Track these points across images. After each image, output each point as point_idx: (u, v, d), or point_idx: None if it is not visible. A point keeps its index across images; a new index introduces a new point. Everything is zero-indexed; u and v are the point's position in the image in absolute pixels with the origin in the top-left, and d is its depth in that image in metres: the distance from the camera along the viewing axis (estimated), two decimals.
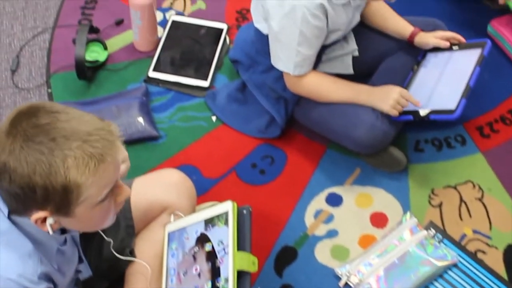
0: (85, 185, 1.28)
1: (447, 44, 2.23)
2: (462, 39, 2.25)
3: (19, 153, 1.25)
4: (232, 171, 2.24)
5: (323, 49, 2.13)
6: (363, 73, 2.29)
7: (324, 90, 2.13)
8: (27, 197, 1.28)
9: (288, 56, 2.03)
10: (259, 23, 2.15)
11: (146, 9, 2.38)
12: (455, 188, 2.23)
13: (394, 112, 2.08)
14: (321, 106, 2.15)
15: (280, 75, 2.15)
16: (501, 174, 2.28)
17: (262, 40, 2.14)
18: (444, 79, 2.17)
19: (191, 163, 2.24)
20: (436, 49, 2.25)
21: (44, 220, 1.33)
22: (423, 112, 2.09)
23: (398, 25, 2.27)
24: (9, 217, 1.37)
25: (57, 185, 1.26)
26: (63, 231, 1.47)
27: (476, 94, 2.11)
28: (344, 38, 2.22)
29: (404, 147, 2.31)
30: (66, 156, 1.25)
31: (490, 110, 2.45)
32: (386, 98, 2.08)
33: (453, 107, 2.06)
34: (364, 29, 2.27)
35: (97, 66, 2.46)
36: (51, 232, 1.35)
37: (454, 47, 2.24)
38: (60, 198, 1.28)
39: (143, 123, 2.27)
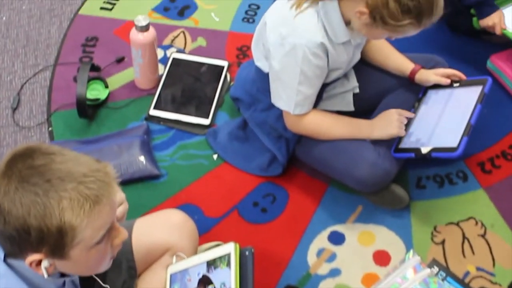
0: (80, 227, 1.26)
1: (448, 81, 2.23)
2: (463, 76, 2.25)
3: (14, 194, 1.24)
4: (234, 209, 2.23)
5: (324, 87, 2.14)
6: (364, 110, 2.29)
7: (325, 128, 2.13)
8: (22, 239, 1.27)
9: (289, 95, 2.04)
10: (259, 61, 2.16)
11: (147, 48, 2.39)
12: (457, 225, 2.22)
13: (403, 131, 2.11)
14: (322, 144, 2.15)
15: (281, 113, 2.15)
16: (504, 210, 2.27)
17: (263, 79, 2.15)
18: (445, 117, 2.17)
19: (193, 202, 2.23)
20: (437, 86, 2.25)
21: (39, 263, 1.31)
22: (424, 150, 2.09)
23: (399, 62, 2.28)
24: (5, 261, 1.35)
25: (51, 227, 1.24)
26: (62, 274, 1.45)
27: (476, 129, 2.10)
28: (345, 76, 2.23)
29: (406, 184, 2.30)
30: (61, 197, 1.24)
31: (491, 145, 2.45)
32: (389, 122, 2.11)
33: (455, 145, 2.05)
34: (364, 66, 2.28)
35: (98, 104, 2.46)
36: (46, 276, 1.33)
37: (455, 84, 2.24)
38: (55, 240, 1.27)
39: (144, 162, 2.26)
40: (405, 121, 2.13)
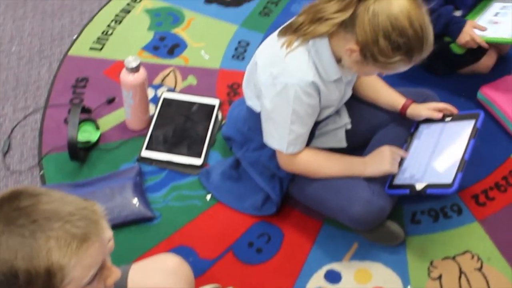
0: (69, 266, 1.24)
1: (440, 115, 2.23)
2: (455, 110, 2.25)
3: (0, 238, 1.23)
4: (229, 250, 2.21)
5: (316, 124, 2.13)
6: (356, 145, 2.29)
7: (317, 166, 2.12)
8: (10, 283, 1.24)
9: (281, 135, 2.03)
10: (251, 101, 2.15)
11: (138, 89, 2.38)
12: (454, 259, 2.21)
13: (396, 168, 2.10)
14: (315, 182, 2.14)
15: (274, 152, 2.14)
16: (499, 243, 2.26)
17: (255, 118, 2.14)
18: (439, 152, 2.16)
19: (187, 244, 2.21)
20: (429, 121, 2.25)
21: None
22: (419, 186, 2.08)
23: (390, 97, 2.28)
24: None
25: (39, 268, 1.22)
26: None
27: (469, 161, 2.10)
28: (337, 112, 2.23)
29: (401, 219, 2.29)
30: (48, 237, 1.22)
31: (484, 177, 2.44)
32: (382, 159, 2.10)
33: (449, 181, 2.04)
34: (355, 102, 2.28)
35: (90, 146, 2.45)
36: None
37: (447, 119, 2.23)
38: (44, 282, 1.24)
39: (137, 205, 2.25)
40: (398, 158, 2.13)
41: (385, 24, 1.80)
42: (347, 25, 1.85)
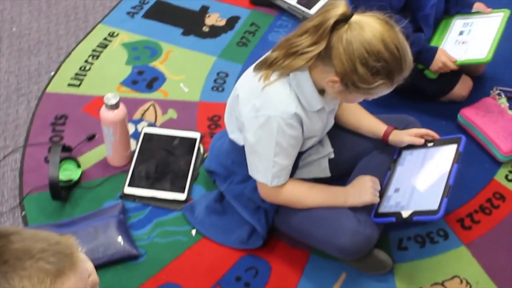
0: None
1: (422, 141, 2.23)
2: (436, 136, 2.25)
3: None
4: (217, 286, 2.18)
5: (300, 155, 2.13)
6: (340, 174, 2.29)
7: (301, 197, 2.11)
8: None
9: (266, 168, 2.02)
10: (233, 134, 2.14)
11: (119, 125, 2.37)
12: (442, 284, 2.21)
13: (377, 199, 2.09)
14: (301, 213, 2.13)
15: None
16: (487, 266, 2.26)
17: (238, 151, 2.13)
18: (423, 178, 2.16)
19: (174, 281, 2.19)
20: (411, 147, 2.25)
21: None
22: (405, 214, 2.07)
23: (372, 124, 2.28)
24: None
25: None
26: None
27: (453, 185, 2.10)
28: (320, 142, 2.22)
29: (387, 246, 2.29)
30: (22, 277, 1.19)
31: (469, 200, 2.45)
32: (363, 189, 2.09)
33: (435, 208, 2.03)
34: (338, 130, 2.27)
35: (72, 185, 2.43)
36: None
37: (429, 144, 2.24)
38: None
39: (122, 243, 2.22)
40: (379, 188, 2.12)
41: (360, 51, 1.79)
42: (324, 57, 1.85)
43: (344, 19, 1.81)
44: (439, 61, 2.53)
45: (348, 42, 1.79)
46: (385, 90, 1.89)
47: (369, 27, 1.80)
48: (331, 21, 1.81)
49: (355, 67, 1.81)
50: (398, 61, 1.83)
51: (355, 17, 1.82)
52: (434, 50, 2.56)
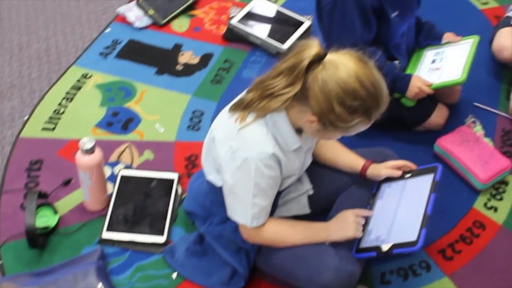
0: None
1: (399, 173, 2.24)
2: (413, 166, 2.26)
3: None
4: None
5: (278, 194, 2.12)
6: (320, 210, 2.29)
7: (282, 236, 2.10)
8: None
9: (245, 209, 2.00)
10: (211, 175, 2.13)
11: (95, 170, 2.34)
12: None
13: (360, 233, 2.08)
14: (282, 252, 2.11)
15: (238, 225, 2.11)
16: None
17: (216, 191, 2.12)
18: (401, 210, 2.16)
19: None
20: (390, 179, 2.25)
21: None
22: (385, 247, 2.06)
23: (349, 159, 2.28)
24: None
25: None
26: None
27: (432, 216, 2.09)
28: (298, 179, 2.21)
29: (370, 281, 2.28)
30: None
31: (449, 231, 2.45)
32: (345, 225, 2.08)
33: (414, 239, 2.03)
34: (316, 167, 2.27)
35: (49, 232, 2.39)
36: None
37: (407, 175, 2.24)
38: None
39: None
40: (362, 222, 2.11)
41: (336, 90, 1.80)
42: (300, 98, 1.85)
43: (318, 59, 1.82)
44: (414, 87, 2.56)
45: (324, 82, 1.80)
46: (363, 127, 1.90)
47: (344, 65, 1.81)
48: (305, 62, 1.81)
49: (332, 106, 1.81)
50: (374, 98, 1.83)
51: (329, 56, 1.83)
52: (408, 77, 2.58)
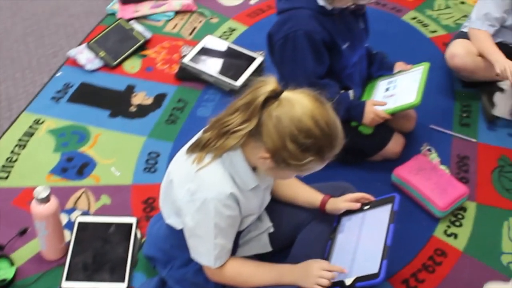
0: None
1: (358, 205, 2.24)
2: (371, 198, 2.27)
3: None
4: None
5: (239, 233, 2.10)
6: (281, 247, 2.27)
7: (248, 277, 2.08)
8: None
9: (208, 250, 1.99)
10: (170, 219, 2.10)
11: (51, 218, 2.30)
12: None
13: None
14: None
15: (200, 267, 2.09)
16: None
17: (176, 235, 2.09)
18: (362, 242, 2.16)
19: None
20: (349, 212, 2.26)
21: None
22: (348, 281, 2.05)
23: (307, 195, 2.28)
24: None
25: None
26: None
27: (393, 246, 2.09)
28: (258, 217, 2.20)
29: None
30: None
31: (411, 260, 2.45)
32: (307, 276, 2.05)
33: (376, 271, 2.03)
34: (275, 204, 2.26)
35: (6, 285, 2.33)
36: None
37: (365, 207, 2.24)
38: None
39: None
40: (329, 277, 2.04)
41: (290, 128, 1.80)
42: (255, 134, 1.85)
43: (274, 96, 1.82)
44: (370, 113, 2.58)
45: (278, 119, 1.80)
46: (316, 167, 1.90)
47: (299, 104, 1.81)
48: (261, 98, 1.81)
49: (285, 144, 1.81)
50: (328, 138, 1.84)
51: (286, 94, 1.83)
52: (363, 103, 2.61)
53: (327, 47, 2.54)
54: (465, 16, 3.57)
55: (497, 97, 3.04)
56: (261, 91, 1.83)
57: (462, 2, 3.81)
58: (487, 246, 2.51)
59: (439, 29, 3.59)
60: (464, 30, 3.19)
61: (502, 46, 3.02)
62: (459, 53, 3.06)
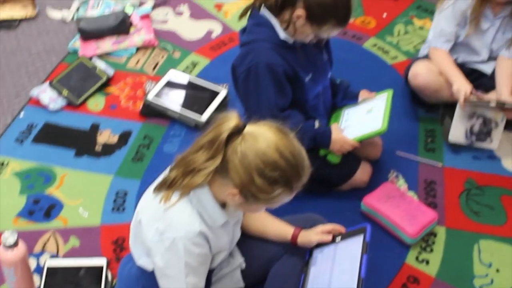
0: None
1: (330, 237, 2.24)
2: (342, 229, 2.27)
3: None
4: None
5: (211, 271, 2.09)
6: (254, 282, 2.26)
7: None
8: None
9: None
10: (141, 260, 2.08)
11: (19, 264, 2.26)
12: None
13: None
14: None
15: None
16: None
17: (147, 276, 2.07)
18: (336, 275, 2.15)
19: None
20: (321, 244, 2.25)
21: None
22: None
23: (278, 229, 2.27)
24: None
25: None
26: None
27: (367, 276, 2.08)
28: (230, 254, 2.19)
29: None
30: None
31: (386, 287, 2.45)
32: None
33: None
34: (246, 239, 2.25)
35: None
36: None
37: (337, 239, 2.24)
38: None
39: None
40: None
41: (255, 162, 1.80)
42: (221, 171, 1.85)
43: (237, 131, 1.82)
44: (338, 140, 2.59)
45: (243, 154, 1.80)
46: (285, 198, 1.90)
47: (263, 137, 1.81)
48: (224, 135, 1.81)
49: (252, 178, 1.81)
50: (295, 168, 1.84)
51: (248, 128, 1.83)
52: (328, 130, 2.62)
53: (289, 79, 2.55)
54: (424, 41, 3.61)
55: (449, 122, 3.02)
56: (223, 127, 1.83)
57: (421, 28, 3.85)
58: (459, 270, 2.52)
59: (400, 55, 3.63)
60: (424, 53, 3.24)
61: (461, 66, 3.07)
62: (422, 72, 3.09)
